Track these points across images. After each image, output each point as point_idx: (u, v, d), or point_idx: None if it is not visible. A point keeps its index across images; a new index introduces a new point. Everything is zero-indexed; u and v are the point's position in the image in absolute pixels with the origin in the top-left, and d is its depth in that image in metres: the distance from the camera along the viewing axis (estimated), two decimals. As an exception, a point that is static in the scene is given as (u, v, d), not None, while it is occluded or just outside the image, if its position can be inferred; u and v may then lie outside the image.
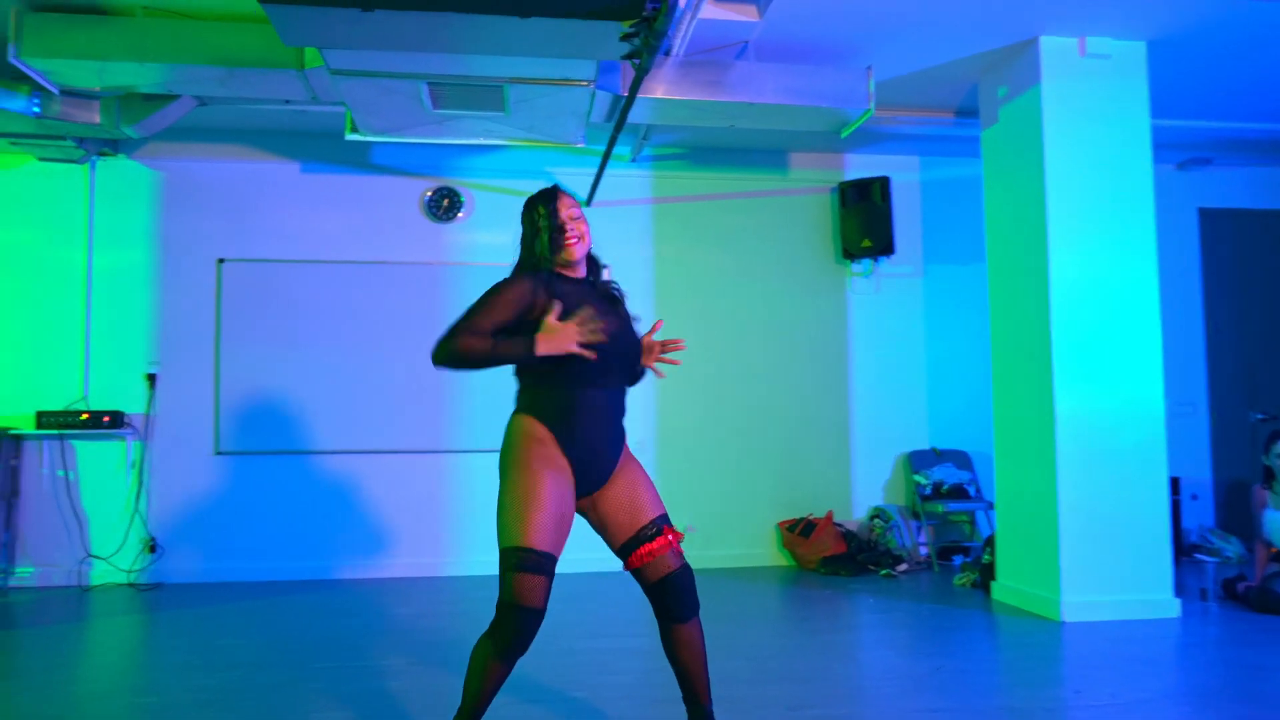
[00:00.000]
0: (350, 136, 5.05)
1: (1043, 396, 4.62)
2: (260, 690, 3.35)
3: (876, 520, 6.28)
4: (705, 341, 6.36)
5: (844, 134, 5.09)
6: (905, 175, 6.60)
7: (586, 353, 2.32)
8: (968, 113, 5.65)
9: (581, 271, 2.54)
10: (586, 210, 6.27)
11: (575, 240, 2.47)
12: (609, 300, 2.56)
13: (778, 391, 6.43)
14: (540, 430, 2.42)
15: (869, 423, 6.51)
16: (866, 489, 6.48)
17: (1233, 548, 6.24)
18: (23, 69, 4.26)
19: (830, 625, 4.46)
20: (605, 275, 2.66)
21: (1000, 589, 4.98)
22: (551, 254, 2.47)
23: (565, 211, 2.49)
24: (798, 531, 6.13)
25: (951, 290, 6.62)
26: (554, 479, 2.36)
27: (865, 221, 6.27)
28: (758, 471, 6.37)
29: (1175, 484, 6.44)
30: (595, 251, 2.62)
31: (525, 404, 2.48)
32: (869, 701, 3.21)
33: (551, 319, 2.35)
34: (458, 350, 2.33)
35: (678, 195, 6.47)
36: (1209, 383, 6.82)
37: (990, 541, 5.34)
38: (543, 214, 2.49)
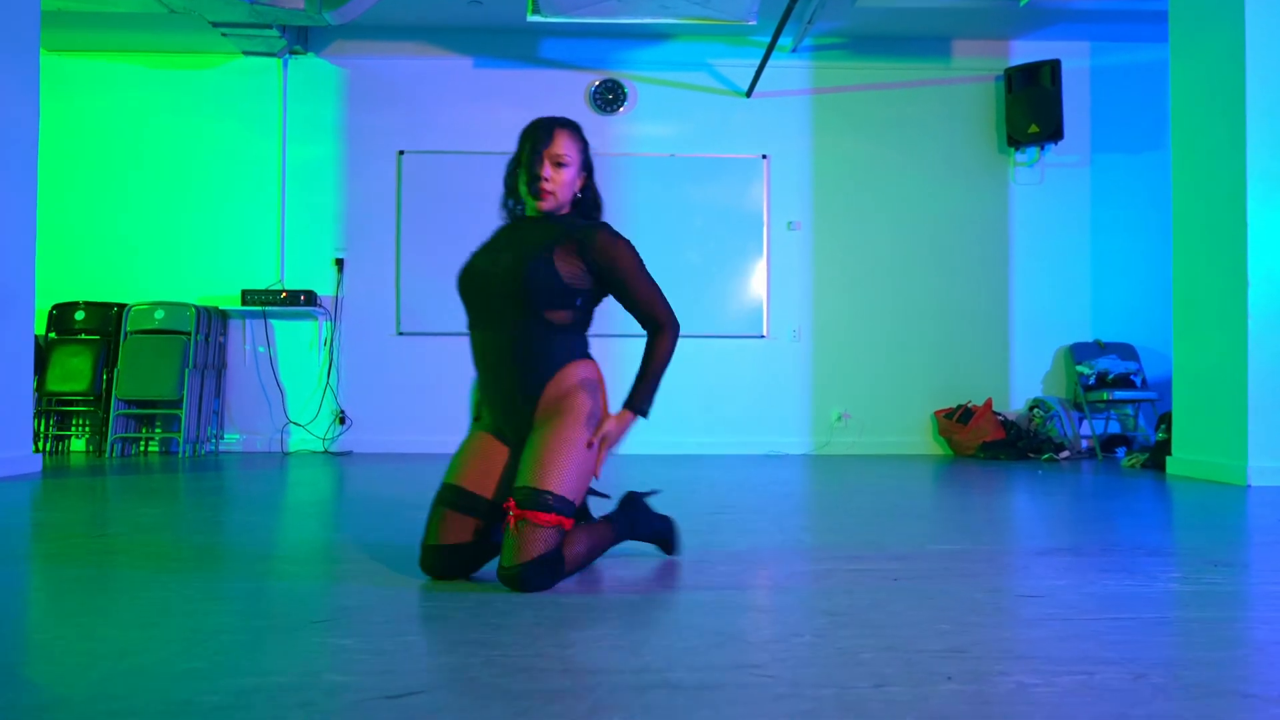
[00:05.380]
0: (532, 18, 5.26)
1: (1234, 264, 4.50)
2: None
3: (1036, 410, 6.24)
4: (862, 232, 6.41)
5: (1023, 2, 5.00)
6: (1074, 61, 6.42)
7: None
8: (1150, -16, 5.46)
9: (563, 210, 2.23)
10: (745, 101, 6.40)
11: (546, 195, 2.18)
12: (555, 236, 2.16)
13: (935, 282, 6.42)
14: None
15: (1029, 314, 6.43)
16: (1025, 380, 6.43)
17: None
18: (245, -48, 4.61)
19: (1001, 488, 4.51)
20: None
21: (1176, 463, 4.91)
22: (526, 195, 2.21)
23: (549, 158, 2.18)
24: (955, 419, 6.16)
25: (1121, 180, 6.44)
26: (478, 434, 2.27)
27: (1033, 106, 6.14)
28: (913, 361, 6.40)
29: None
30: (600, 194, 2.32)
31: None
32: (1055, 534, 3.29)
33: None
34: None
35: (838, 86, 6.47)
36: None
37: (1165, 419, 5.26)
38: (526, 151, 2.19)
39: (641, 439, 6.25)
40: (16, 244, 4.69)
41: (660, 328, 2.22)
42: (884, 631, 1.73)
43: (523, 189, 2.20)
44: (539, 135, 2.19)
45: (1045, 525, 3.30)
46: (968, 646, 1.63)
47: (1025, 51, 6.40)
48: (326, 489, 4.33)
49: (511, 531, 2.02)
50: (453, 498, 2.14)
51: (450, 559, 2.12)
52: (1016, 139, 6.26)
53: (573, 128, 2.25)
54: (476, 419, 2.33)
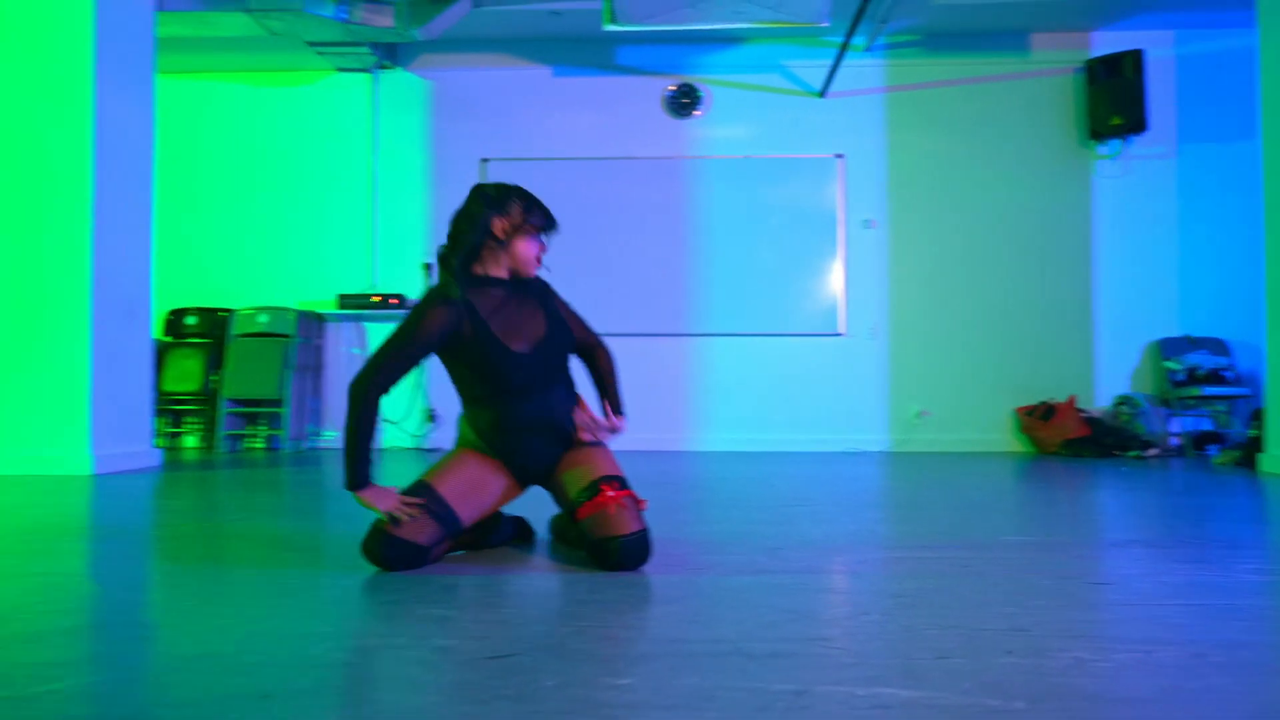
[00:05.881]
0: (608, 27, 5.42)
1: (1326, 253, 4.39)
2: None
3: (1122, 407, 6.14)
4: (939, 228, 6.41)
5: (1103, -8, 4.95)
6: (1159, 50, 6.30)
7: (404, 514, 2.19)
8: (1239, -30, 5.34)
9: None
10: (819, 101, 6.48)
11: (536, 267, 2.31)
12: (536, 299, 2.34)
13: (1015, 278, 6.38)
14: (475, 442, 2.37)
15: (1114, 310, 6.34)
16: (1110, 376, 6.34)
17: None
18: (339, -24, 4.88)
19: (1083, 484, 4.49)
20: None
21: (1269, 459, 4.80)
22: (515, 261, 2.27)
23: (544, 244, 2.31)
24: (1037, 415, 6.10)
25: (1209, 171, 6.30)
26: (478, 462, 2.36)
27: (1115, 98, 6.06)
28: (993, 357, 6.36)
29: None
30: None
31: (465, 418, 2.40)
32: (1133, 527, 3.29)
33: (371, 501, 2.21)
34: (354, 401, 2.18)
35: (913, 83, 6.48)
36: None
37: (1256, 415, 5.14)
38: (522, 219, 2.25)
39: (720, 435, 6.37)
40: (136, 255, 5.06)
41: (596, 347, 2.48)
42: (949, 612, 1.82)
43: (517, 256, 2.27)
44: (547, 220, 2.31)
45: (1124, 519, 3.30)
46: (1030, 626, 1.71)
47: (1106, 42, 6.31)
48: (419, 482, 4.56)
49: (611, 509, 2.18)
50: (426, 498, 2.22)
51: (389, 549, 2.15)
52: (1099, 131, 6.18)
53: None
54: (466, 442, 2.39)
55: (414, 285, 6.59)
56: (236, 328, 6.34)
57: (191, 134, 6.72)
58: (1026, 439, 6.26)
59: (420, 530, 2.19)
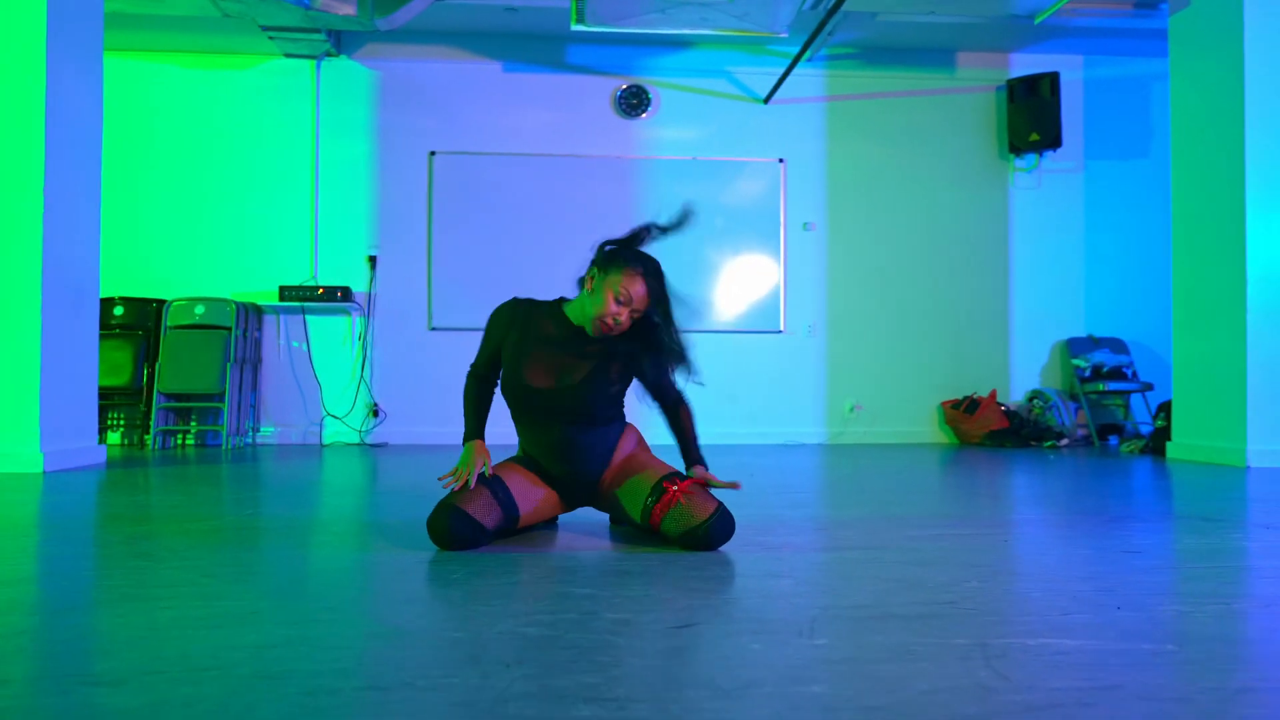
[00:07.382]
0: (576, 27, 5.50)
1: (1233, 264, 4.93)
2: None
3: (1035, 401, 6.65)
4: (872, 232, 6.77)
5: (1038, 20, 5.40)
6: (1069, 74, 6.85)
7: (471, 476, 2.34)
8: (1147, 4, 5.88)
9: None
10: (762, 108, 6.72)
11: (605, 329, 2.36)
12: (605, 353, 2.42)
13: (940, 280, 6.81)
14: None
15: (1027, 311, 6.85)
16: (1024, 373, 6.85)
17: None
18: (309, -40, 4.78)
19: (1028, 470, 4.88)
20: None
21: (1176, 448, 5.34)
22: (589, 315, 2.37)
23: (629, 303, 2.32)
24: (962, 409, 6.55)
25: (1111, 185, 6.89)
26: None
27: (1033, 116, 6.56)
28: (920, 354, 6.78)
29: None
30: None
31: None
32: (1111, 505, 3.65)
33: (471, 456, 2.39)
34: (466, 387, 2.54)
35: (850, 94, 6.81)
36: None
37: (1164, 407, 5.69)
38: (614, 284, 2.31)
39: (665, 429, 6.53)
40: (86, 242, 4.82)
41: (678, 404, 2.61)
42: (1038, 578, 2.05)
43: (588, 310, 2.36)
44: (632, 278, 2.34)
45: (1097, 499, 3.63)
46: (1114, 587, 1.95)
47: (1025, 64, 6.82)
48: (415, 474, 4.54)
49: (683, 500, 2.31)
50: (494, 486, 2.34)
51: (457, 523, 2.24)
52: (1018, 146, 6.67)
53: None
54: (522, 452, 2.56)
55: (358, 278, 6.48)
56: (171, 319, 6.08)
57: (124, 114, 6.38)
58: (951, 431, 6.70)
59: (487, 513, 2.30)
